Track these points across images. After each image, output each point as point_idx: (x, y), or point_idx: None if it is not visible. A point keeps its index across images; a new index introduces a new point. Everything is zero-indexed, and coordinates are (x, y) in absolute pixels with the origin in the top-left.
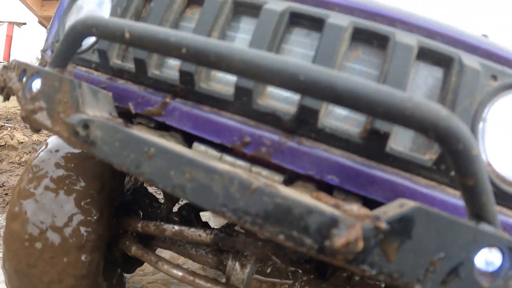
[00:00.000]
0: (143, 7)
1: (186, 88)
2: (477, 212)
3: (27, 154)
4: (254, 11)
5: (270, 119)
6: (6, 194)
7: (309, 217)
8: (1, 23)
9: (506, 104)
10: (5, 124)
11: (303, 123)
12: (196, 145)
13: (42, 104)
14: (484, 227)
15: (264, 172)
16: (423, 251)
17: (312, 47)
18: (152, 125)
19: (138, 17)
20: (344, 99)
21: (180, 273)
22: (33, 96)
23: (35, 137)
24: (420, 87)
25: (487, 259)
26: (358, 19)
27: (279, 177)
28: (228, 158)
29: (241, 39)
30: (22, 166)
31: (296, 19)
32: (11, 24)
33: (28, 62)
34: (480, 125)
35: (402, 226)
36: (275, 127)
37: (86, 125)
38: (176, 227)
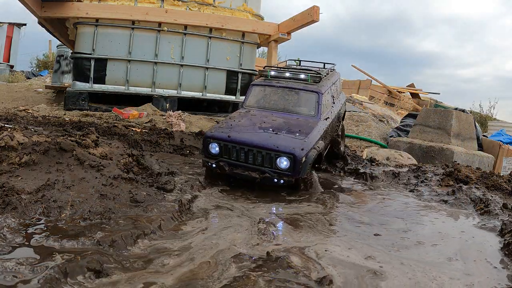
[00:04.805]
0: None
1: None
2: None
3: (27, 155)
4: None
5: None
6: (6, 195)
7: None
8: (1, 24)
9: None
10: (5, 125)
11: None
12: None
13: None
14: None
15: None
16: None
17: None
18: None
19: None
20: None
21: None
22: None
23: (35, 138)
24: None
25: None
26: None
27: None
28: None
29: None
30: (22, 167)
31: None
32: (11, 25)
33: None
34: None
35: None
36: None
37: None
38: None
